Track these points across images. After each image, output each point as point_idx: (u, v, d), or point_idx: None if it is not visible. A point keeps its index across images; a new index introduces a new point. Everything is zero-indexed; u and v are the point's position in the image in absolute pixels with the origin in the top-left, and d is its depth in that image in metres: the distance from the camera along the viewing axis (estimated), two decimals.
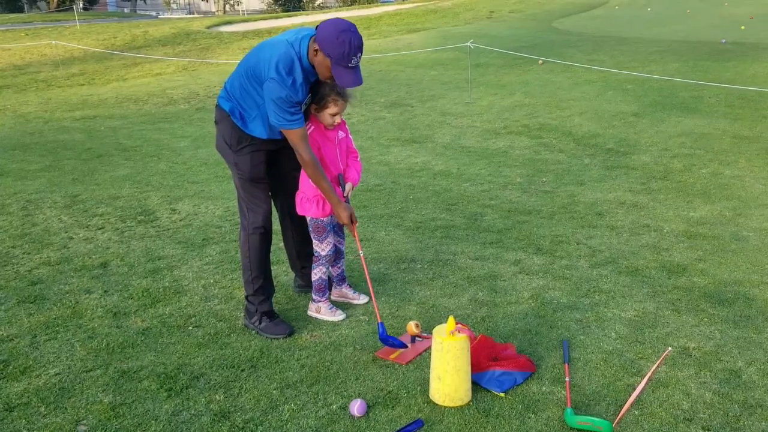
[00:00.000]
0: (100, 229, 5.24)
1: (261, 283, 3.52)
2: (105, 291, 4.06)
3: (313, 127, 3.41)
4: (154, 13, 49.27)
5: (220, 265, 4.45)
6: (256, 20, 30.70)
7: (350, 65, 3.03)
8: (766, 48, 14.83)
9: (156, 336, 3.47)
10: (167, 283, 4.15)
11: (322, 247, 3.60)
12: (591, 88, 11.44)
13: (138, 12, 49.28)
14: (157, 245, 4.85)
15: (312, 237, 3.62)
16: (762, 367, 3.09)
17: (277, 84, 3.06)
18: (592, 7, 31.30)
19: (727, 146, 7.48)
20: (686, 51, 15.09)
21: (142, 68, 16.84)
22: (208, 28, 25.53)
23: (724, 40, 16.68)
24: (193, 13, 57.49)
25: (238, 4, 56.79)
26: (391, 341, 3.26)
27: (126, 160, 7.70)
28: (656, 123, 8.77)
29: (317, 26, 3.08)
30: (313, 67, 3.15)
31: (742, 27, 19.89)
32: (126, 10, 50.45)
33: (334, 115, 3.38)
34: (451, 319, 2.80)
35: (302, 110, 3.24)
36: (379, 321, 3.30)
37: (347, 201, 3.50)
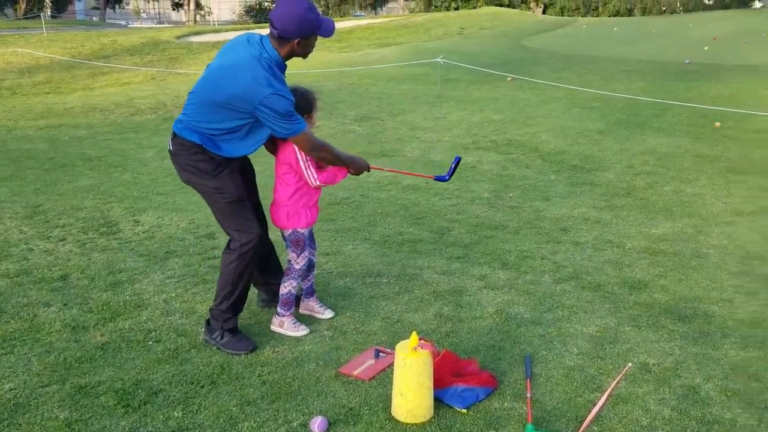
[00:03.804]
0: (61, 240, 5.13)
1: (234, 302, 3.47)
2: (64, 304, 3.97)
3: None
4: (123, 22, 48.79)
5: (183, 278, 4.39)
6: (227, 31, 30.56)
7: (320, 18, 3.22)
8: (728, 69, 15.23)
9: (115, 351, 3.40)
10: (128, 297, 4.08)
11: (297, 261, 3.58)
12: (558, 105, 11.61)
13: (107, 21, 48.72)
14: (118, 258, 4.77)
15: (289, 250, 3.59)
16: (719, 383, 3.14)
17: (278, 97, 3.05)
18: (561, 25, 31.85)
19: (689, 164, 7.64)
20: (651, 70, 15.43)
21: (109, 77, 16.63)
22: (178, 38, 25.33)
23: (688, 61, 17.08)
24: (163, 23, 57.07)
25: (209, 15, 56.54)
26: (452, 169, 3.77)
27: (90, 170, 7.59)
28: (620, 141, 8.92)
29: (274, 26, 3.11)
30: (285, 61, 3.24)
31: (706, 48, 20.41)
32: (95, 19, 49.86)
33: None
34: (414, 334, 2.80)
35: None
36: (434, 176, 3.86)
37: None
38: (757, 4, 48.50)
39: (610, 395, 3.00)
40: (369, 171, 3.62)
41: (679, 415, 2.88)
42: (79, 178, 7.20)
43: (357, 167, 3.52)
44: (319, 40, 3.37)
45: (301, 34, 3.13)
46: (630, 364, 3.29)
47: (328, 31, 3.25)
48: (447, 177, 3.79)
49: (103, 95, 13.89)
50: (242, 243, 3.37)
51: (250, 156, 3.52)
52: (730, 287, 4.28)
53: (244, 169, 3.54)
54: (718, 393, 3.05)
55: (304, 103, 3.40)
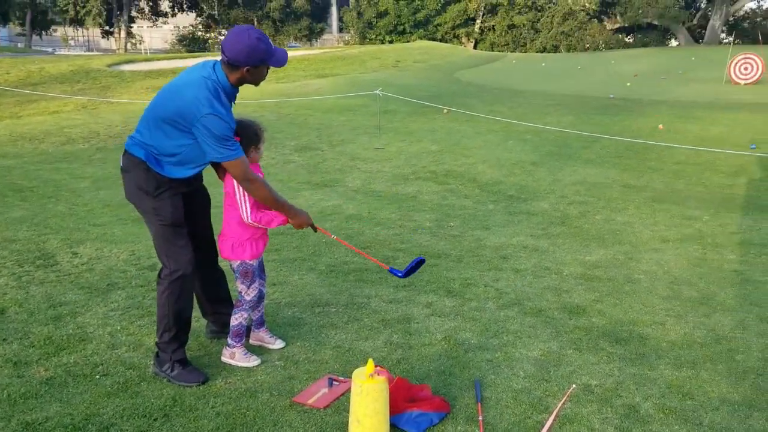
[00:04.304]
0: None
1: (176, 332, 3.43)
2: (3, 339, 3.83)
3: None
4: (50, 49, 47.41)
5: (127, 311, 4.31)
6: (159, 59, 30.18)
7: (272, 48, 3.24)
8: (649, 103, 16.05)
9: (61, 385, 3.31)
10: (71, 331, 3.98)
11: (247, 292, 3.58)
12: (493, 137, 11.98)
13: (33, 47, 47.24)
14: (58, 291, 4.64)
15: (238, 282, 3.59)
16: (657, 401, 3.31)
17: (216, 118, 3.09)
18: (491, 60, 32.88)
19: (618, 194, 8.02)
20: (578, 105, 16.11)
21: (38, 106, 16.13)
22: (109, 66, 24.83)
23: (612, 96, 17.91)
24: (92, 50, 55.80)
25: (140, 43, 55.66)
26: (409, 267, 3.54)
27: (22, 201, 7.34)
28: (553, 171, 9.28)
29: (224, 54, 3.17)
30: (235, 87, 3.27)
31: (628, 84, 21.47)
32: (19, 45, 48.27)
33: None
34: (370, 361, 2.85)
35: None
36: (388, 268, 3.60)
37: None
38: (674, 43, 51.44)
39: (557, 416, 3.13)
40: (315, 231, 3.63)
41: None
42: (10, 209, 6.96)
43: (297, 220, 3.50)
44: None
45: (250, 63, 3.18)
46: (574, 385, 3.43)
47: (280, 61, 3.28)
48: (401, 274, 3.55)
49: (31, 124, 13.45)
50: (171, 270, 3.36)
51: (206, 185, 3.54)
52: (661, 310, 4.51)
53: (194, 195, 3.53)
54: (656, 411, 3.22)
55: (249, 133, 3.44)
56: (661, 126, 10.45)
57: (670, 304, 4.62)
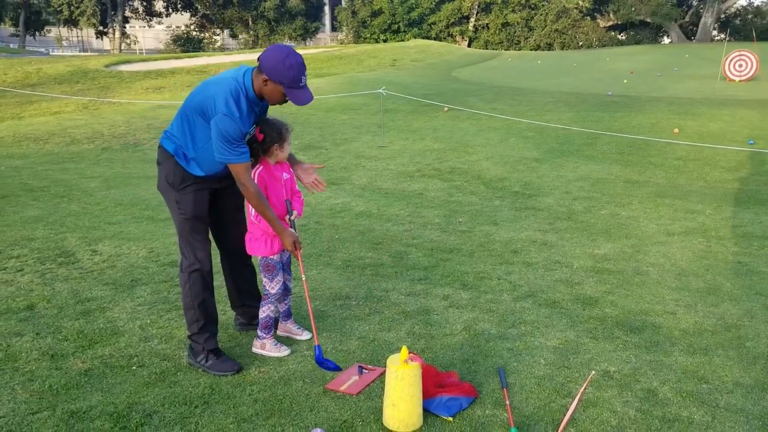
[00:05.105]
0: (19, 271, 5.06)
1: (204, 323, 3.56)
2: (37, 333, 3.94)
3: (261, 167, 3.55)
4: (44, 50, 47.30)
5: (154, 305, 4.42)
6: (156, 60, 30.18)
7: (301, 85, 3.26)
8: (647, 101, 16.21)
9: (100, 376, 3.43)
10: (102, 325, 4.09)
11: (271, 286, 3.70)
12: (495, 134, 12.11)
13: (27, 48, 47.13)
14: (83, 287, 4.75)
15: (262, 276, 3.71)
16: (674, 386, 3.45)
17: (227, 119, 3.19)
18: (487, 58, 33.03)
19: (621, 190, 8.16)
20: (577, 102, 16.25)
21: (38, 106, 16.19)
22: (107, 66, 24.87)
23: (610, 93, 18.05)
24: (87, 51, 55.68)
25: (135, 43, 55.55)
26: (326, 364, 3.42)
27: (34, 200, 7.44)
28: (556, 168, 9.41)
29: (259, 58, 3.26)
30: (259, 97, 3.33)
31: (625, 81, 21.63)
32: (12, 46, 48.13)
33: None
34: (404, 348, 2.98)
35: (246, 141, 3.37)
36: (317, 344, 3.45)
37: (293, 227, 3.62)
38: (666, 40, 51.71)
39: (580, 400, 3.26)
40: (295, 259, 3.58)
41: (643, 416, 3.16)
42: (24, 208, 7.05)
43: (281, 237, 3.49)
44: None
45: (269, 74, 3.23)
46: (593, 371, 3.56)
47: (298, 99, 3.26)
48: (318, 355, 3.42)
49: (34, 125, 13.52)
50: (189, 263, 3.50)
51: None
52: (671, 301, 4.65)
53: (225, 191, 3.61)
54: (674, 394, 3.36)
55: (273, 132, 3.54)
56: (676, 131, 10.81)
57: (680, 295, 4.76)
